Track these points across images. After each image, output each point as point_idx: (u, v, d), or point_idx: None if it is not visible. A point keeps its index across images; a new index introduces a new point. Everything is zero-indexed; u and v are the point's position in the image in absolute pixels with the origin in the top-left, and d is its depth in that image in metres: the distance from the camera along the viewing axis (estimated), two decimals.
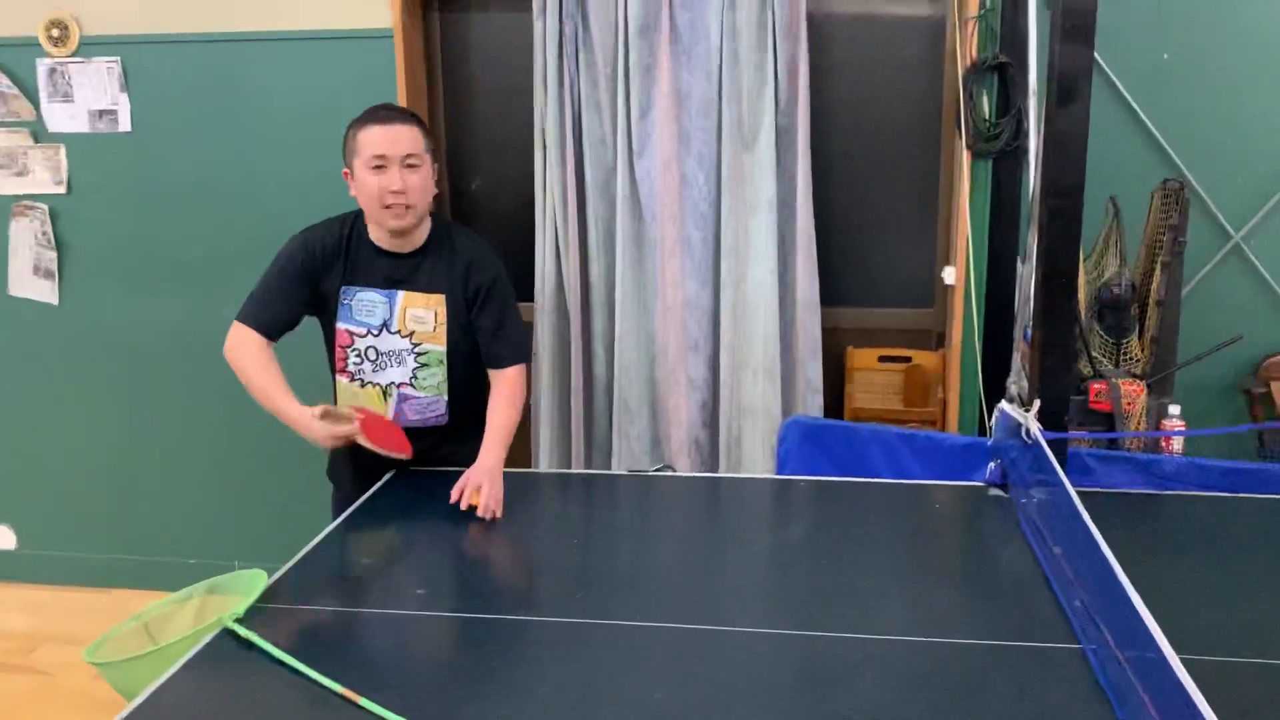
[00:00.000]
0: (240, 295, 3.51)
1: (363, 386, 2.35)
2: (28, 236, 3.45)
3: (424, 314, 2.32)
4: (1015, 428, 2.14)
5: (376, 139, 2.23)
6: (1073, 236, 2.08)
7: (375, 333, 2.32)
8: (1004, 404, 2.28)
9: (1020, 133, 2.85)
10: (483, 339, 2.37)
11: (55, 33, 3.28)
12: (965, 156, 2.91)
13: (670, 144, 3.01)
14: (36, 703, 2.95)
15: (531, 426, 3.32)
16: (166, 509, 3.63)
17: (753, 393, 3.09)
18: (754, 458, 3.11)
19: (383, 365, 2.34)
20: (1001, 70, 2.86)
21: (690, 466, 3.17)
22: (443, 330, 2.33)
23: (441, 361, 2.35)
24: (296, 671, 1.44)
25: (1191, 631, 1.41)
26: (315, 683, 1.41)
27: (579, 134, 3.09)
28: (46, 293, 3.48)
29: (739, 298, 3.07)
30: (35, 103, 3.34)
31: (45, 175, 3.40)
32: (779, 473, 2.59)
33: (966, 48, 2.88)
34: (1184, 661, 1.18)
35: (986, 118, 2.89)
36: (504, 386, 2.37)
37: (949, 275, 3.05)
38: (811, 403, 3.11)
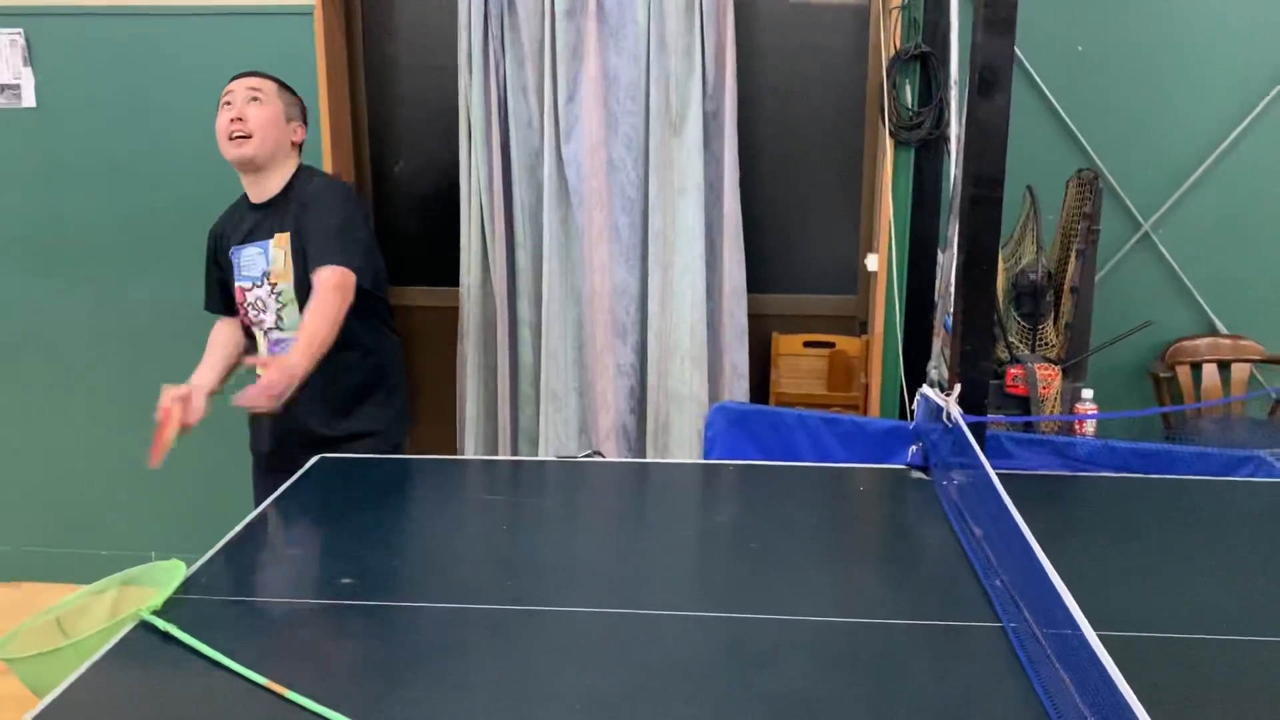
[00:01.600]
0: (153, 280, 3.44)
1: (264, 336, 2.49)
2: None
3: (277, 253, 2.43)
4: (936, 412, 2.18)
5: (229, 86, 2.43)
6: (994, 225, 2.12)
7: (259, 284, 2.44)
8: (925, 388, 2.32)
9: (942, 122, 2.91)
10: (308, 254, 2.36)
11: None
12: (888, 144, 2.95)
13: (598, 128, 3.00)
14: None
15: (456, 412, 3.29)
16: (77, 499, 3.52)
17: (680, 379, 3.10)
18: (681, 443, 3.12)
19: (257, 311, 2.47)
20: (924, 60, 2.90)
21: (618, 452, 3.17)
22: (289, 268, 2.41)
23: (294, 300, 2.43)
24: (218, 664, 1.41)
25: (1106, 608, 1.46)
26: (238, 675, 1.38)
27: (505, 116, 3.06)
28: None
29: (666, 284, 3.08)
30: None
31: None
32: (706, 457, 2.61)
33: (890, 37, 2.92)
34: (1100, 638, 1.22)
35: (909, 106, 2.93)
36: (316, 297, 2.28)
37: (872, 262, 3.09)
38: (738, 388, 3.14)
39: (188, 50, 3.15)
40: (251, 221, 2.46)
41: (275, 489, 2.12)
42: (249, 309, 2.47)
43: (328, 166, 3.15)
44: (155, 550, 3.34)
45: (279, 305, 2.45)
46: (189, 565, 1.71)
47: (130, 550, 3.44)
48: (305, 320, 2.26)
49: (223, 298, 2.57)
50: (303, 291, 2.40)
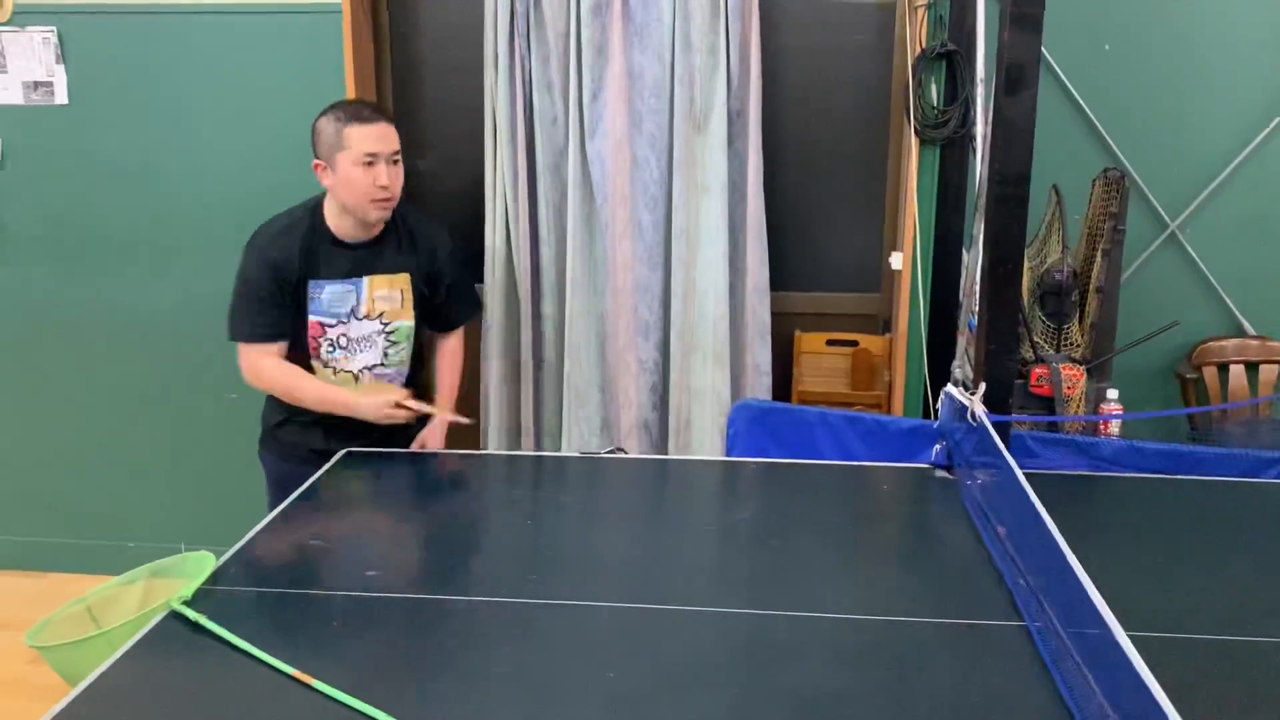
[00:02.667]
0: (181, 276, 3.46)
1: (335, 374, 2.41)
2: None
3: (391, 293, 2.41)
4: (960, 411, 2.18)
5: (369, 136, 2.27)
6: (1019, 224, 2.12)
7: (345, 321, 2.38)
8: (949, 387, 2.32)
9: (967, 120, 2.89)
10: (443, 306, 2.53)
11: None
12: (913, 143, 2.95)
13: (622, 125, 3.00)
14: None
15: (481, 408, 3.30)
16: (107, 491, 3.56)
17: (702, 376, 3.11)
18: (703, 440, 3.13)
19: (354, 350, 2.41)
20: (950, 58, 2.89)
21: (639, 449, 3.18)
22: (410, 305, 2.43)
23: (409, 336, 2.46)
24: (247, 654, 1.43)
25: (1130, 608, 1.45)
26: (266, 665, 1.40)
27: (530, 114, 3.07)
28: None
29: (689, 281, 3.08)
30: None
31: None
32: (728, 455, 2.61)
33: (916, 35, 2.91)
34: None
35: (934, 105, 2.92)
36: (452, 343, 2.63)
37: (896, 261, 3.09)
38: (760, 386, 3.14)
39: (217, 48, 3.18)
40: (342, 258, 2.36)
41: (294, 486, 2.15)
42: (325, 344, 2.38)
43: None
44: (184, 542, 3.37)
45: (388, 344, 2.43)
46: (218, 557, 1.74)
47: (159, 542, 3.49)
48: (450, 372, 2.63)
49: (288, 323, 2.36)
50: (418, 332, 2.48)
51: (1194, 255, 3.07)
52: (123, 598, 1.74)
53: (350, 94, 3.13)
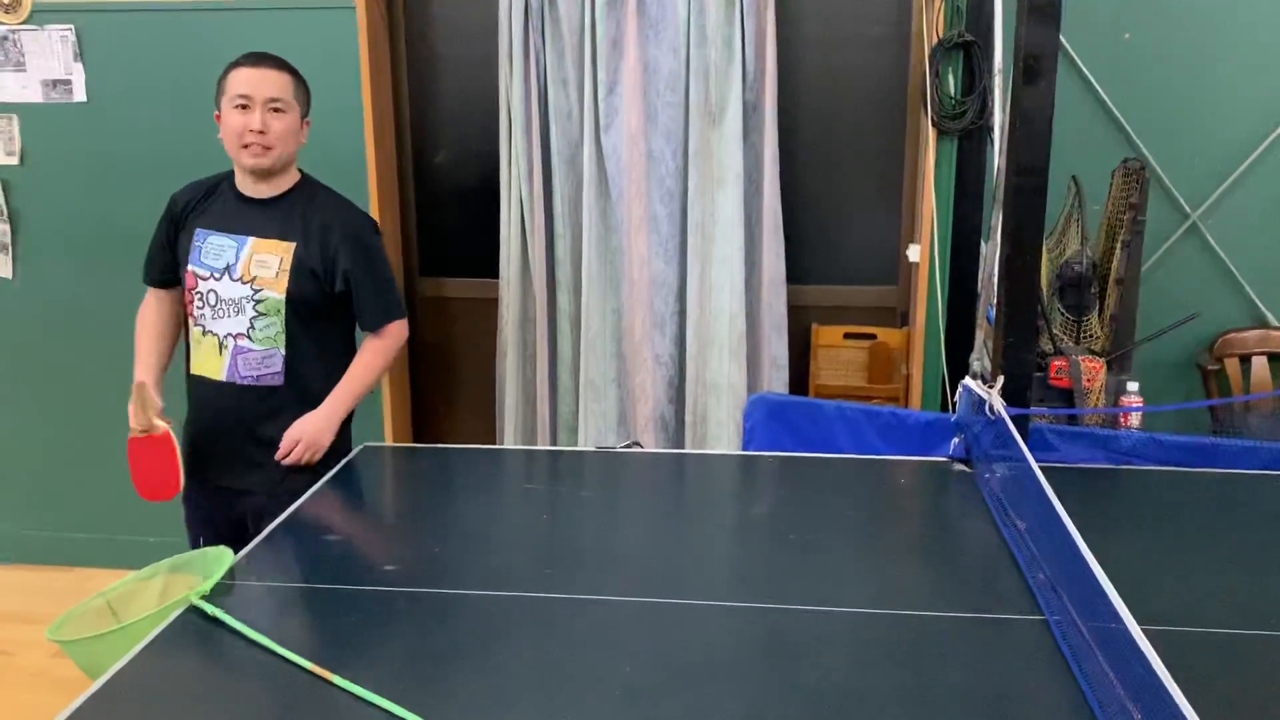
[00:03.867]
0: None
1: (204, 335, 2.32)
2: None
3: (269, 259, 2.29)
4: (978, 404, 2.17)
5: (243, 80, 2.24)
6: (1037, 215, 2.10)
7: (218, 276, 2.29)
8: (968, 380, 2.30)
9: (985, 111, 2.88)
10: (357, 303, 2.37)
11: (7, 0, 3.20)
12: (931, 134, 2.93)
13: (637, 119, 3.00)
14: None
15: (496, 403, 3.31)
16: (126, 486, 3.58)
17: (719, 369, 3.10)
18: (719, 434, 3.12)
19: (221, 312, 2.30)
20: (967, 48, 2.87)
21: (656, 443, 3.18)
22: (285, 278, 2.28)
23: (279, 311, 2.29)
24: (265, 649, 1.43)
25: (1150, 602, 1.44)
26: (285, 659, 1.41)
27: (545, 108, 3.07)
28: (0, 267, 3.42)
29: (705, 275, 3.08)
30: None
31: None
32: (744, 449, 2.61)
33: (933, 25, 2.90)
34: (1144, 631, 1.21)
35: (952, 95, 2.91)
36: (374, 341, 2.40)
37: (913, 253, 3.07)
38: (776, 379, 3.13)
39: (233, 44, 3.16)
40: (236, 212, 2.31)
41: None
42: (197, 299, 2.31)
43: (370, 159, 3.18)
44: (202, 537, 3.39)
45: (255, 313, 2.28)
46: (235, 552, 1.74)
47: (177, 537, 3.50)
48: (363, 369, 2.38)
49: (168, 271, 2.40)
50: (293, 310, 2.29)
51: (1215, 246, 3.04)
52: (142, 592, 1.74)
53: (365, 88, 3.14)
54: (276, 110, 2.25)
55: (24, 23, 3.22)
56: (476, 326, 3.44)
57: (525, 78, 3.03)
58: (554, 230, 3.16)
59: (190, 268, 2.32)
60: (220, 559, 1.68)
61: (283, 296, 2.28)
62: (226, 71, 2.28)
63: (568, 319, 3.22)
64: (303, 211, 2.32)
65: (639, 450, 2.68)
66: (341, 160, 3.18)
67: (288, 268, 2.27)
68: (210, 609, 1.53)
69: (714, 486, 2.23)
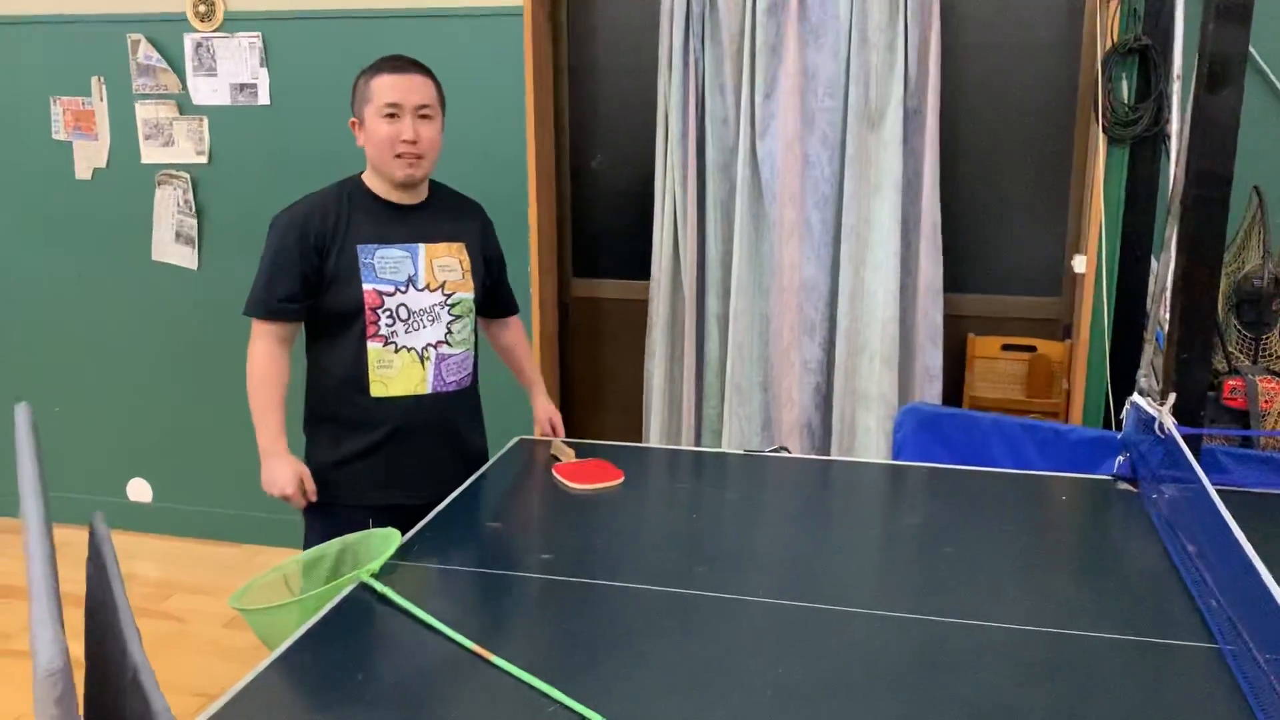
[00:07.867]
0: None
1: (396, 351, 2.19)
2: (171, 204, 3.62)
3: (449, 261, 2.25)
4: (1148, 422, 2.08)
5: (391, 86, 2.16)
6: (1217, 229, 2.01)
7: (403, 289, 2.19)
8: (1135, 397, 2.22)
9: (1160, 118, 2.76)
10: (498, 288, 2.45)
11: (202, 9, 3.42)
12: (1101, 142, 2.83)
13: (794, 124, 2.99)
14: (172, 648, 3.11)
15: (643, 403, 3.35)
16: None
17: (869, 378, 3.07)
18: (867, 443, 3.09)
19: (415, 325, 2.21)
20: (1143, 53, 2.76)
21: (801, 450, 3.16)
22: (470, 278, 2.28)
23: (471, 312, 2.30)
24: (429, 627, 1.50)
25: None
26: (447, 638, 1.47)
27: (701, 113, 3.10)
28: (187, 258, 3.65)
29: (858, 281, 3.05)
30: (181, 76, 3.50)
31: (189, 145, 3.55)
32: (895, 459, 2.57)
33: (1107, 29, 2.79)
34: None
35: (1125, 102, 2.80)
36: (518, 323, 2.58)
37: (1079, 264, 2.97)
38: (929, 390, 3.07)
39: (405, 50, 3.31)
40: (393, 221, 2.22)
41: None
42: (385, 316, 2.18)
43: (530, 161, 3.27)
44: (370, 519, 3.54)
45: (451, 317, 2.24)
46: (402, 535, 1.83)
47: None
48: (530, 359, 2.59)
49: (300, 295, 2.18)
50: (477, 307, 2.33)
51: None
52: (314, 569, 1.85)
53: (529, 94, 3.23)
54: (425, 117, 2.18)
55: (217, 30, 3.43)
56: (626, 327, 3.49)
57: (684, 83, 3.06)
58: (705, 234, 3.19)
59: (368, 286, 2.16)
60: (389, 540, 1.77)
61: (472, 296, 2.29)
62: (366, 78, 2.19)
63: (716, 321, 3.23)
64: (450, 211, 2.32)
65: (786, 455, 2.67)
66: (501, 162, 3.29)
67: (468, 267, 2.28)
68: (379, 587, 1.61)
69: (864, 494, 2.21)
